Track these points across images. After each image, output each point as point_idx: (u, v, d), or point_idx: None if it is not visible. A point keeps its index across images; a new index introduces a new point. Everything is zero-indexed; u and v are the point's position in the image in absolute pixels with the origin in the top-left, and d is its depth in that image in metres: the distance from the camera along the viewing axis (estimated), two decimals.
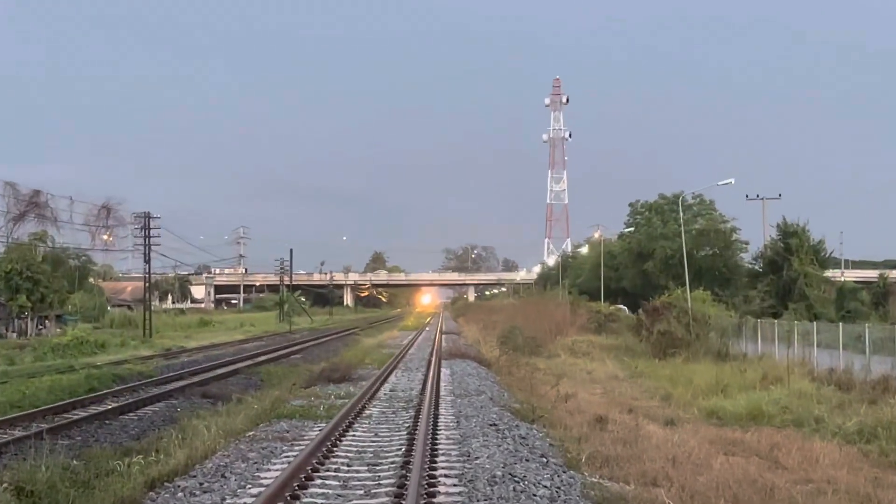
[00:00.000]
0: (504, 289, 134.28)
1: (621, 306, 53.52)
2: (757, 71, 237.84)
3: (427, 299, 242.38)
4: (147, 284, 49.54)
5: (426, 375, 21.21)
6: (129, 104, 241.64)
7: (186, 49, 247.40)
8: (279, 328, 61.59)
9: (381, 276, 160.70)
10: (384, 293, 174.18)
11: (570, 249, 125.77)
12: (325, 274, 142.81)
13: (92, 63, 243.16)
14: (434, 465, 9.79)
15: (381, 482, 9.02)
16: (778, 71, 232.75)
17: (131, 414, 16.50)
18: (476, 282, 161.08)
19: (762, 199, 48.03)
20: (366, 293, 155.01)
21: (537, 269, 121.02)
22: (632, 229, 59.66)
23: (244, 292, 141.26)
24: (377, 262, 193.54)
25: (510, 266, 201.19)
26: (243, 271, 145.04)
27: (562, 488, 8.77)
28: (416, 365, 25.93)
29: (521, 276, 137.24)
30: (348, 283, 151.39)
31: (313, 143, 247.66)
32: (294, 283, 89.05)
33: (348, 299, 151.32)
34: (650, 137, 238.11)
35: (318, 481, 9.06)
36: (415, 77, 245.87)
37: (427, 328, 63.19)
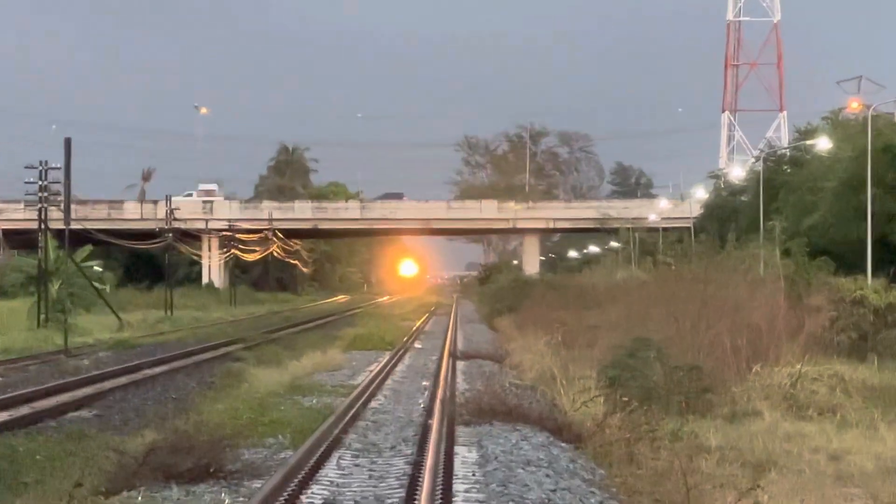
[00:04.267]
0: (616, 244, 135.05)
1: None
2: None
3: (411, 269, 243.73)
4: None
5: (420, 463, 22.38)
6: None
7: None
8: (37, 341, 62.44)
9: (300, 211, 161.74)
10: (305, 253, 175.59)
11: (785, 141, 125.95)
12: (155, 204, 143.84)
13: None
14: None
15: None
16: None
17: None
18: (544, 223, 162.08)
19: None
20: (257, 254, 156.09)
21: (701, 193, 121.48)
22: None
23: None
24: (287, 173, 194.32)
25: (631, 184, 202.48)
26: None
27: None
28: (389, 437, 27.41)
29: (660, 210, 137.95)
30: (216, 226, 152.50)
31: None
32: (78, 226, 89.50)
33: (212, 269, 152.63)
34: None
35: None
36: None
37: (417, 343, 64.91)
